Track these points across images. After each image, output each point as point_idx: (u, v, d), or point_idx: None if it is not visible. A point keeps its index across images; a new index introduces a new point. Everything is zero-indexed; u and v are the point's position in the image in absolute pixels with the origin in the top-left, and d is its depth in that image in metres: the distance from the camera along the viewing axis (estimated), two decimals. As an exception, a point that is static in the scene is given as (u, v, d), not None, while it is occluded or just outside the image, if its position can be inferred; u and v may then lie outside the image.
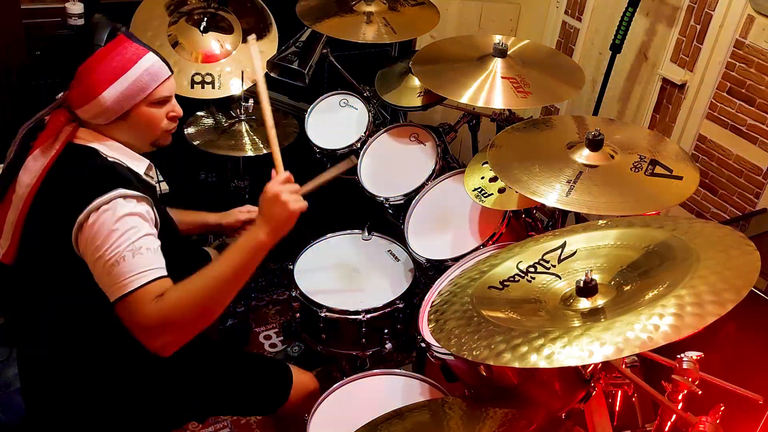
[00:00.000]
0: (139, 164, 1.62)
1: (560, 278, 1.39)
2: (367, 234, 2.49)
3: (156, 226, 1.53)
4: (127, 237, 1.42)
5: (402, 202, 2.34)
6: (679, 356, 1.29)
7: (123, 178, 1.52)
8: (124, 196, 1.46)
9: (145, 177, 1.63)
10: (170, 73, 1.61)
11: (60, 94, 1.61)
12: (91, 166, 1.52)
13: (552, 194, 1.68)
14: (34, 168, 1.53)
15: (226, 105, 2.72)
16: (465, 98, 2.13)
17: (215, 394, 1.79)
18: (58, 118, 1.56)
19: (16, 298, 1.68)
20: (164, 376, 1.68)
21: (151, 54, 1.57)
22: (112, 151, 1.57)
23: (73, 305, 1.55)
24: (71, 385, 1.61)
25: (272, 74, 2.56)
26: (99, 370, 1.60)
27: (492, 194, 2.08)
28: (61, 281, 1.54)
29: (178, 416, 1.78)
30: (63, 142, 1.53)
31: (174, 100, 1.64)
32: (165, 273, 1.45)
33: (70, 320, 1.56)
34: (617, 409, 1.46)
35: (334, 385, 1.86)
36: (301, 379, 1.93)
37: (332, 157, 2.56)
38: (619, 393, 1.43)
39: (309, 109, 2.65)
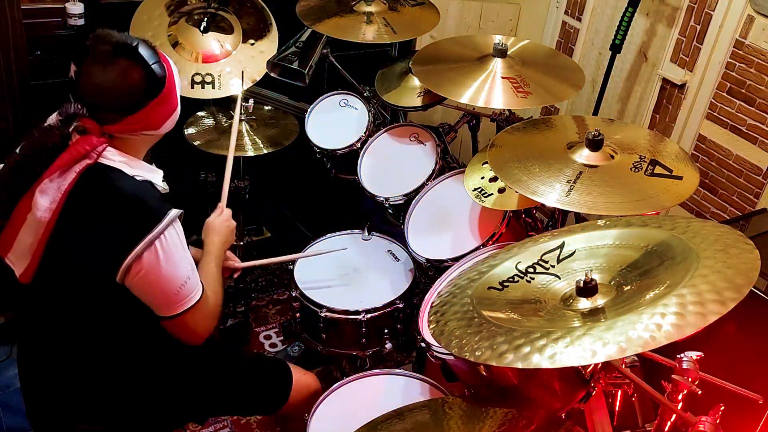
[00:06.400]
0: (156, 176, 1.58)
1: (559, 278, 1.39)
2: (367, 234, 2.49)
3: None
4: (187, 257, 1.52)
5: (402, 202, 2.34)
6: (679, 356, 1.29)
7: (162, 197, 1.54)
8: (175, 219, 1.49)
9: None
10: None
11: (65, 108, 1.48)
12: (132, 190, 1.48)
13: (552, 194, 1.68)
14: (51, 189, 1.47)
15: (226, 105, 2.72)
16: (465, 98, 2.13)
17: (216, 394, 1.79)
18: (89, 140, 1.46)
19: (26, 311, 1.65)
20: (165, 377, 1.68)
21: (168, 58, 1.57)
22: (133, 167, 1.52)
23: (92, 322, 1.55)
24: (74, 387, 1.61)
25: (272, 74, 2.56)
26: (102, 373, 1.60)
27: (492, 194, 2.08)
28: (86, 302, 1.53)
29: (179, 416, 1.78)
30: (86, 165, 1.46)
31: None
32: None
33: (86, 333, 1.56)
34: (617, 409, 1.46)
35: (334, 385, 1.86)
36: (303, 379, 1.93)
37: (332, 157, 2.56)
38: (619, 393, 1.43)
39: (309, 109, 2.65)
